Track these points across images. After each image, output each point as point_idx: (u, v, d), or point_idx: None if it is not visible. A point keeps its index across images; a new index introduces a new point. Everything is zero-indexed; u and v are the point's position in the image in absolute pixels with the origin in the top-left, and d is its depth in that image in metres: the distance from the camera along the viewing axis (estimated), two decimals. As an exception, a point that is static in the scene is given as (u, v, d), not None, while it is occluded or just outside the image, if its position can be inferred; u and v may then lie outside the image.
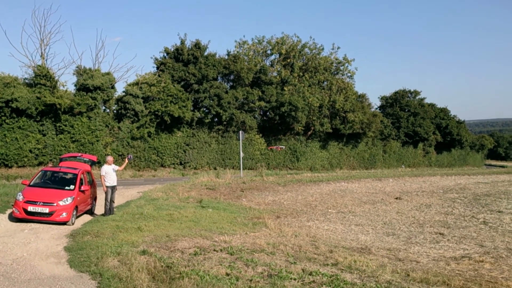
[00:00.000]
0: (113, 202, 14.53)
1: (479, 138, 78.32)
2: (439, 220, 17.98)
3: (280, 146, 43.46)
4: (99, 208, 15.26)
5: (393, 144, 55.78)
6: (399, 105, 58.55)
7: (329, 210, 19.58)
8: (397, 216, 18.58)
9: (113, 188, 14.30)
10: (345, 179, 34.50)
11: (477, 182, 39.65)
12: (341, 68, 50.69)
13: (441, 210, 20.89)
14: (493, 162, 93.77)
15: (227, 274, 7.88)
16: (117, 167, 14.75)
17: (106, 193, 14.17)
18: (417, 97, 61.56)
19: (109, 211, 14.15)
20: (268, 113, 43.34)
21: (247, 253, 9.70)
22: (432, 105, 62.82)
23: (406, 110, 58.26)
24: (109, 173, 14.28)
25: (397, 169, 51.45)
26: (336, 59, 50.12)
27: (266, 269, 8.39)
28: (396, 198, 24.87)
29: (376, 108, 58.73)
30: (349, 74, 50.94)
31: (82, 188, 13.59)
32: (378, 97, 62.89)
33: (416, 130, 56.76)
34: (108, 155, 24.51)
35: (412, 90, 61.54)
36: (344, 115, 46.99)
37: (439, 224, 16.87)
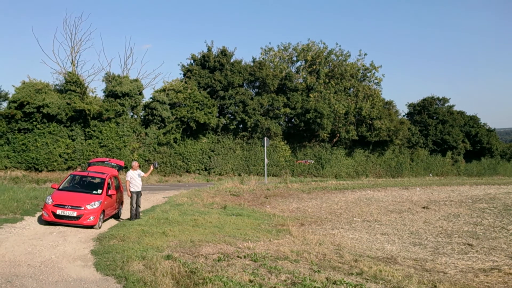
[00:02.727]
0: (139, 207, 14.69)
1: (510, 146, 76.10)
2: (468, 230, 17.56)
3: (309, 160, 43.27)
4: (125, 213, 15.47)
5: (421, 152, 54.82)
6: (427, 113, 57.55)
7: (354, 219, 19.36)
8: (424, 226, 18.23)
9: (138, 193, 14.43)
10: (371, 187, 34.09)
11: (507, 192, 38.57)
12: (368, 74, 50.21)
13: (469, 220, 20.39)
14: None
15: (251, 281, 7.87)
16: (142, 173, 14.90)
17: (131, 198, 14.34)
18: (445, 105, 60.39)
19: (135, 215, 14.32)
20: (293, 120, 43.26)
21: (271, 260, 9.66)
22: (461, 113, 61.55)
23: (435, 118, 57.24)
24: (134, 178, 14.43)
25: (425, 178, 50.53)
26: (363, 66, 49.69)
27: (289, 277, 8.35)
28: (424, 208, 24.41)
29: (404, 116, 57.89)
30: (376, 81, 50.43)
31: (109, 192, 13.81)
32: (406, 104, 62.20)
33: (445, 138, 55.65)
34: (134, 160, 24.82)
35: (440, 97, 60.45)
36: (370, 122, 46.49)
37: (468, 235, 16.48)
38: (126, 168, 25.36)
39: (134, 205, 14.34)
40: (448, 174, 57.81)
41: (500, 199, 31.91)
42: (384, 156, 50.78)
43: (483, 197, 32.59)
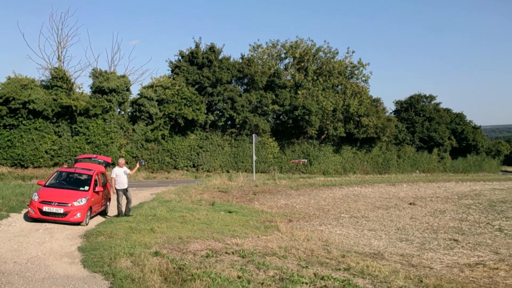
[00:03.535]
0: (130, 202, 14.55)
1: (495, 143, 77.13)
2: (454, 226, 17.78)
3: (302, 160, 43.57)
4: (113, 210, 15.37)
5: (408, 149, 55.28)
6: (414, 110, 58.03)
7: (342, 215, 19.48)
8: (410, 222, 18.41)
9: (124, 190, 14.28)
10: (359, 183, 34.30)
11: (492, 188, 39.10)
12: (356, 72, 50.42)
13: (455, 216, 20.64)
14: (509, 169, 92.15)
15: (239, 277, 7.88)
16: (128, 171, 14.74)
17: (117, 195, 14.20)
18: (432, 102, 60.95)
19: (122, 212, 14.21)
20: (281, 117, 43.32)
21: (259, 256, 9.68)
22: (447, 110, 62.15)
23: (421, 115, 57.73)
24: (119, 175, 14.24)
25: (411, 174, 50.93)
26: (351, 63, 49.88)
27: (277, 273, 8.38)
28: (410, 204, 24.64)
29: (391, 113, 58.31)
30: (363, 78, 50.65)
31: (97, 189, 13.72)
32: (393, 102, 62.62)
33: (431, 135, 56.19)
34: (121, 157, 24.60)
35: (427, 94, 61.01)
36: (358, 119, 46.75)
37: (454, 231, 16.68)
38: (113, 164, 25.17)
39: (121, 202, 14.22)
40: (435, 171, 58.37)
41: (485, 195, 32.34)
42: (371, 153, 51.10)
43: (468, 193, 32.99)
